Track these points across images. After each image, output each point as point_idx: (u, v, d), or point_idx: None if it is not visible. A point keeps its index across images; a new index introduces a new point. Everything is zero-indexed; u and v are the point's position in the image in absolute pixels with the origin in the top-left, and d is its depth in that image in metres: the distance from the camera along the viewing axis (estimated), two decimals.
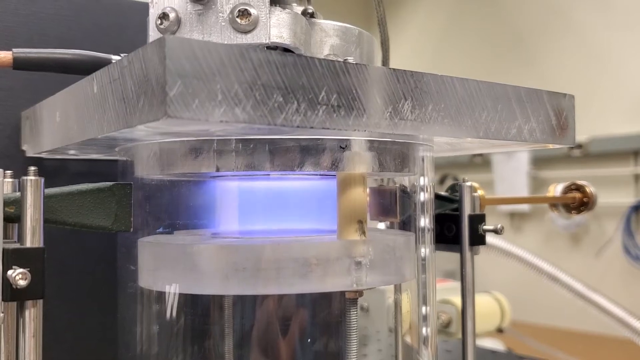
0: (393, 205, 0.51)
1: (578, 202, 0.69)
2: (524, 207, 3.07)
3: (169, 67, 0.29)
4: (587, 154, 2.83)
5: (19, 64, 0.43)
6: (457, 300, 0.89)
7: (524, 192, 3.00)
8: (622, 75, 2.79)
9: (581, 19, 2.95)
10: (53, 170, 0.56)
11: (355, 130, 0.36)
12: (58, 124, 0.44)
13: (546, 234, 3.06)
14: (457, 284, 1.07)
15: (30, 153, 0.52)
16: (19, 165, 0.51)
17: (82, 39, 0.58)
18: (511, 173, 3.08)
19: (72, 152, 0.51)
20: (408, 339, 0.53)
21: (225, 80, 0.31)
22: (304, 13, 0.45)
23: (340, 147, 0.41)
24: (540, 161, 3.03)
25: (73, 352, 0.58)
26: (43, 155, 0.52)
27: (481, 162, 3.20)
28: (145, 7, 0.62)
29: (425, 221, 0.49)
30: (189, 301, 0.48)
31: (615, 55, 2.83)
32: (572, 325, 2.68)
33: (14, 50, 0.43)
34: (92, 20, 0.59)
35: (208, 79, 0.31)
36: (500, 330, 1.35)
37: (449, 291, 0.98)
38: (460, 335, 1.06)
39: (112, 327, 0.55)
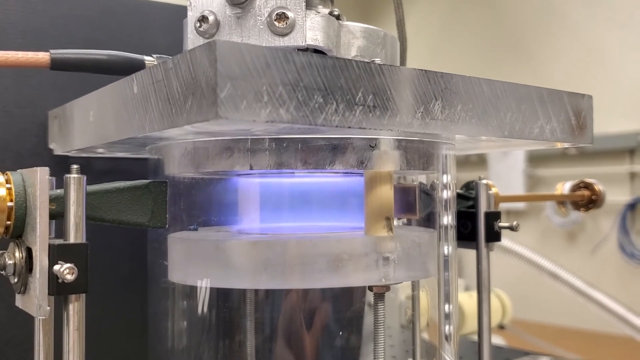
0: (414, 202, 0.52)
1: (587, 199, 0.70)
2: (520, 205, 3.08)
3: (219, 69, 0.31)
4: (583, 152, 2.84)
5: (56, 65, 0.44)
6: (460, 297, 0.90)
7: (520, 190, 3.01)
8: (618, 73, 2.81)
9: (577, 17, 2.97)
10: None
11: (389, 129, 0.37)
12: (92, 124, 0.45)
13: (542, 231, 3.07)
14: (459, 282, 1.09)
15: (58, 151, 0.53)
16: (45, 163, 0.52)
17: (107, 39, 0.59)
18: (507, 171, 3.10)
19: (100, 150, 0.52)
20: (425, 335, 0.55)
21: (270, 82, 0.32)
22: (331, 15, 0.46)
23: (370, 146, 0.42)
24: (536, 159, 3.05)
25: (103, 346, 0.59)
26: (70, 154, 0.53)
27: (477, 160, 3.20)
28: (168, 7, 0.63)
29: (448, 218, 0.50)
30: (219, 295, 0.49)
31: (610, 53, 2.85)
32: (572, 323, 2.70)
33: (52, 51, 0.44)
34: (117, 21, 0.60)
35: (255, 81, 0.32)
36: (501, 327, 1.37)
37: None
38: (463, 332, 1.08)
39: (141, 322, 0.56)
